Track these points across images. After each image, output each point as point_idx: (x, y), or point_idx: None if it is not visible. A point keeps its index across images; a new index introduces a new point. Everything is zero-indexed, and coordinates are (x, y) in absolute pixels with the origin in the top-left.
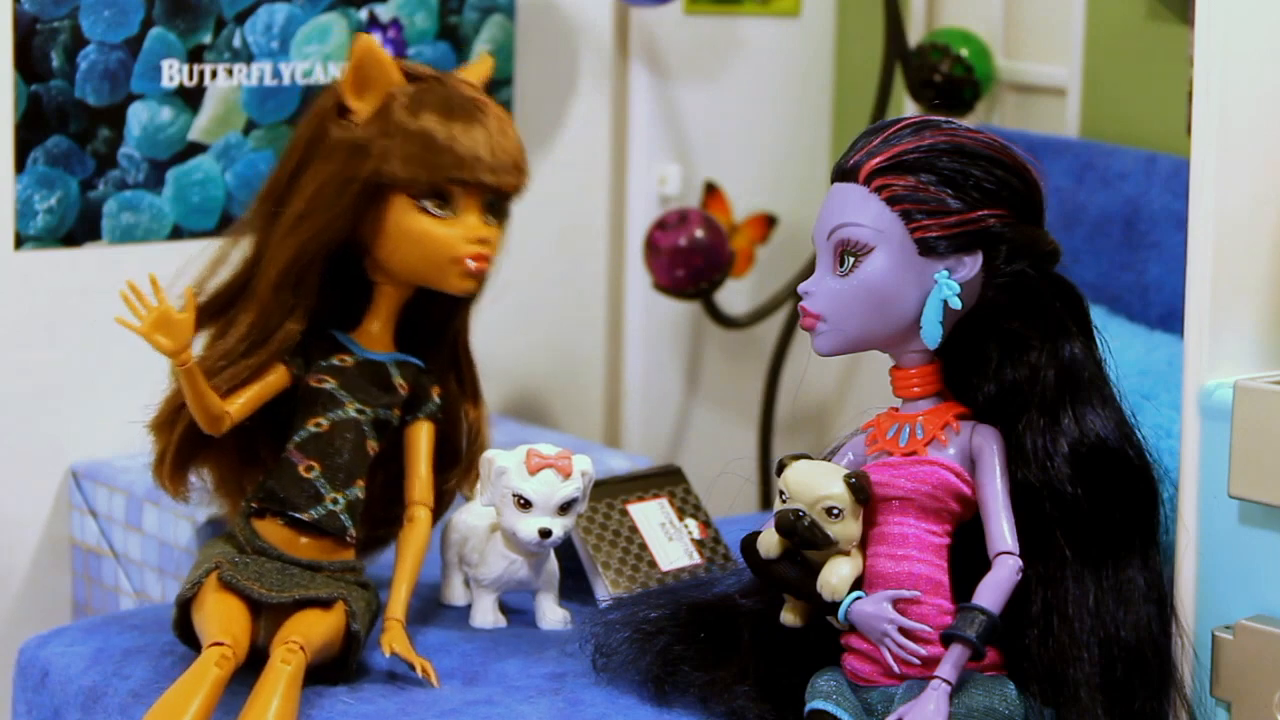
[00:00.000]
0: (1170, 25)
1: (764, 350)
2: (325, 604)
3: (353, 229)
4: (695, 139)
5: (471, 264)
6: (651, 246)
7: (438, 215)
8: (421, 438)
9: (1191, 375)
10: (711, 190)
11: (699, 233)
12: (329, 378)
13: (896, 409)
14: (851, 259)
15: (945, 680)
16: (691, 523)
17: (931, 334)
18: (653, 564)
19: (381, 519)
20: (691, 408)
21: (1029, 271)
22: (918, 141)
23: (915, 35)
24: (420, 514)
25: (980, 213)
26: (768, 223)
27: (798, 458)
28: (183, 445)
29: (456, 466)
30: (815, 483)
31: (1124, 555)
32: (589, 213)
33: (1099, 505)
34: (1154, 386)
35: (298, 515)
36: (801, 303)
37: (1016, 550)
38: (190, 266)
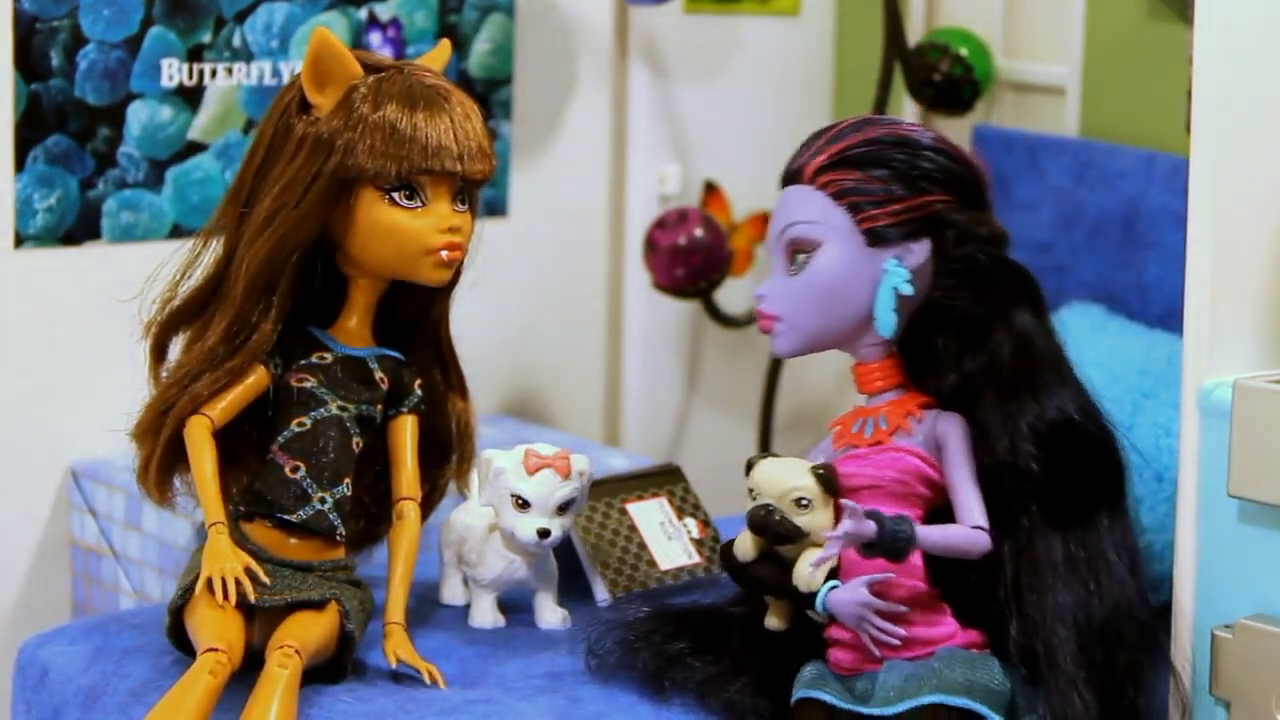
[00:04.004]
0: (1170, 25)
1: (764, 350)
2: (318, 605)
3: (323, 225)
4: (695, 138)
5: (445, 254)
6: (651, 245)
7: (407, 207)
8: (405, 432)
9: (1191, 374)
10: (711, 189)
11: (698, 232)
12: (310, 376)
13: (862, 406)
14: (802, 256)
15: (853, 506)
16: (690, 522)
17: (885, 322)
18: (652, 563)
19: (375, 515)
20: (691, 407)
21: (980, 257)
22: (859, 136)
23: (915, 34)
24: (408, 509)
25: (925, 199)
26: (767, 222)
27: (764, 457)
28: (167, 452)
29: (447, 462)
30: (782, 476)
31: (1091, 526)
32: (589, 212)
33: (1064, 480)
34: (1154, 386)
35: (286, 517)
36: (758, 306)
37: (986, 527)
38: (163, 269)
